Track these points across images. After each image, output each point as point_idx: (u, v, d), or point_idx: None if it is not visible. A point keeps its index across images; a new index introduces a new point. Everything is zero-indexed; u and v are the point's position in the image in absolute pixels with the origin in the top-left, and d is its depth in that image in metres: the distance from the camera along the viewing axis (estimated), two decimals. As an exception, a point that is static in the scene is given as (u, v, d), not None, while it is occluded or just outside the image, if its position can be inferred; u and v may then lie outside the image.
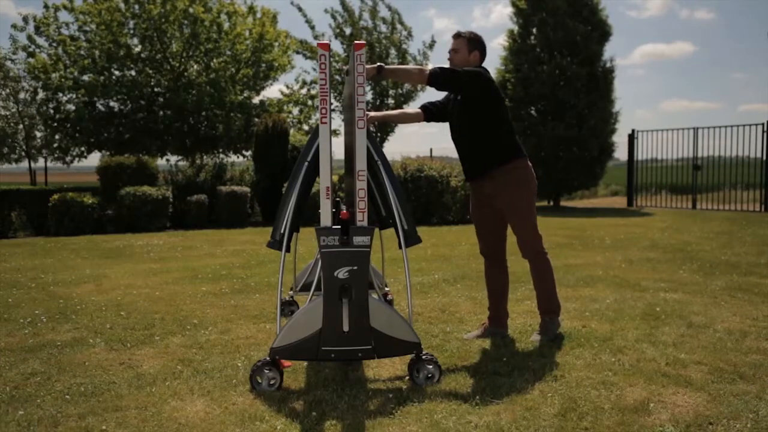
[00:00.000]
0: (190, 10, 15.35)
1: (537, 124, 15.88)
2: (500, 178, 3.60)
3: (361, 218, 2.93)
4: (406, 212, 3.21)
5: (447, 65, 3.62)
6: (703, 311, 4.33)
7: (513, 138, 3.65)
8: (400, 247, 3.20)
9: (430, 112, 3.82)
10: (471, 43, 3.63)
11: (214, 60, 16.18)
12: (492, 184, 3.63)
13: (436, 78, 3.36)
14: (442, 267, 6.39)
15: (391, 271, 5.93)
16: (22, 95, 17.45)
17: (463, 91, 3.55)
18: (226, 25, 16.30)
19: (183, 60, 15.95)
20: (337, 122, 21.48)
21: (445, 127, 3.82)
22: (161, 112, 16.21)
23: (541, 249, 3.68)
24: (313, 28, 19.97)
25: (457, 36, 3.67)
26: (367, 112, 3.14)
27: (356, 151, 2.93)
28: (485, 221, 3.80)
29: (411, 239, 3.21)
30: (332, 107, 11.44)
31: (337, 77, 19.55)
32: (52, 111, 16.29)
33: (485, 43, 3.70)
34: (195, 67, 16.17)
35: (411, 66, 3.44)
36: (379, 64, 3.36)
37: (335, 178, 12.93)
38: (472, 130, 3.61)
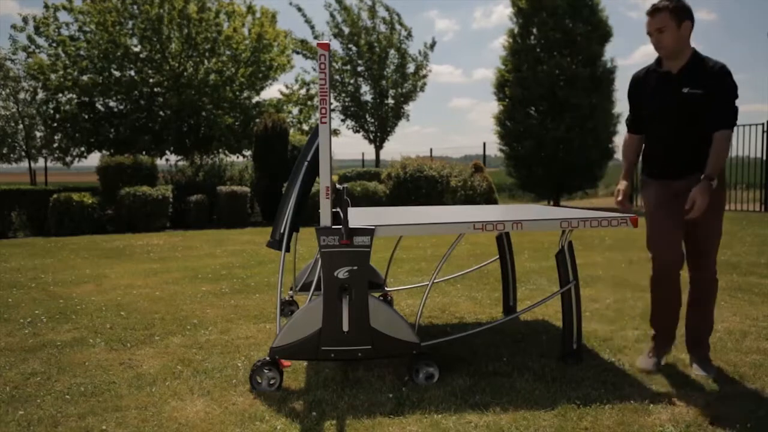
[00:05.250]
0: (187, 10, 15.35)
1: (537, 125, 15.87)
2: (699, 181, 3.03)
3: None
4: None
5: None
6: (703, 311, 4.32)
7: None
8: None
9: (638, 129, 3.39)
10: (677, 14, 3.00)
11: (213, 60, 16.18)
12: (690, 186, 3.02)
13: (731, 127, 3.03)
14: (443, 267, 6.37)
15: (391, 272, 5.92)
16: (22, 95, 17.46)
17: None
18: (225, 26, 16.30)
19: (182, 60, 15.94)
20: (337, 122, 21.49)
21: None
22: (161, 112, 16.22)
23: (715, 270, 3.21)
24: (312, 27, 20.02)
25: (655, 11, 3.01)
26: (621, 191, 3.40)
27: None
28: (673, 220, 3.12)
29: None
30: (332, 107, 11.45)
31: (337, 77, 19.57)
32: (51, 111, 16.29)
33: (690, 5, 3.07)
34: (193, 67, 16.16)
35: (718, 145, 3.00)
36: (705, 176, 2.94)
37: (335, 177, 12.94)
38: (698, 131, 3.07)
